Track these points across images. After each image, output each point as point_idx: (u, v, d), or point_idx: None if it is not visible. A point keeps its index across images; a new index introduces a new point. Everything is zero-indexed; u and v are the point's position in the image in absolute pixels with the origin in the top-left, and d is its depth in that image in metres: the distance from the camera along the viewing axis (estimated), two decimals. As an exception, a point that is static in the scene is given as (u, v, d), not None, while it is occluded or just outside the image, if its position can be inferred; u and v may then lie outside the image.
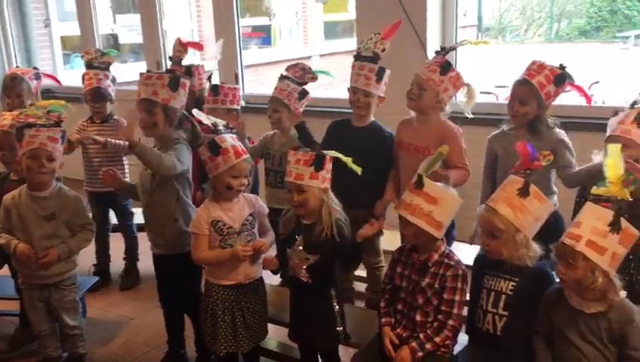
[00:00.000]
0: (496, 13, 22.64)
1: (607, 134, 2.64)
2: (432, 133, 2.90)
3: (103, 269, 4.12)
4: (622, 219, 1.95)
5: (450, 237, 2.87)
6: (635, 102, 2.65)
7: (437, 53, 2.96)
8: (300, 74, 3.43)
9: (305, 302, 2.51)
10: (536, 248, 2.19)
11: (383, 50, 3.09)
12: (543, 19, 22.01)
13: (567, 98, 3.41)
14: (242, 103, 5.26)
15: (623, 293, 2.05)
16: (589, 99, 3.18)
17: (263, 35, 11.60)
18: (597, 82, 7.95)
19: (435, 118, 2.96)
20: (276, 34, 12.23)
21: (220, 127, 2.59)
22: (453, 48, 2.96)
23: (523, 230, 2.16)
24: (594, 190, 2.03)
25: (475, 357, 2.30)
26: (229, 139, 2.53)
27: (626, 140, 2.50)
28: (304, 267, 2.41)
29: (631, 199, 1.98)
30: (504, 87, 4.62)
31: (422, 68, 2.92)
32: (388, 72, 3.10)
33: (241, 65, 5.44)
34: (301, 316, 2.54)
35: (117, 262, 4.18)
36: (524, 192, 2.15)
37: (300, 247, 2.41)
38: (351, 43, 4.54)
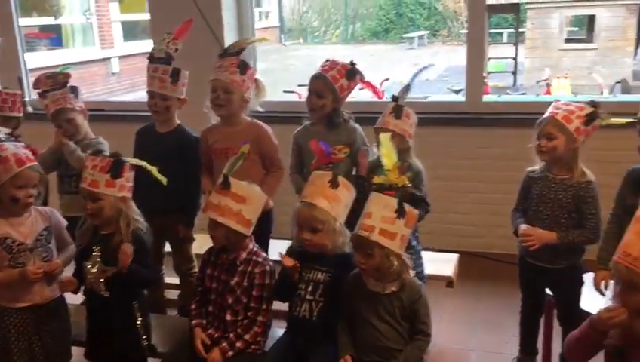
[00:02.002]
0: (297, 15, 23.53)
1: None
2: (246, 134, 2.92)
3: None
4: (404, 204, 2.13)
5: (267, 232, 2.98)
6: (394, 96, 2.88)
7: (221, 56, 2.98)
8: (51, 81, 3.22)
9: (104, 317, 2.38)
10: (349, 233, 2.30)
11: (176, 50, 3.04)
12: (339, 21, 23.34)
13: (363, 95, 3.65)
14: (30, 110, 4.83)
15: (412, 272, 2.25)
16: (378, 93, 3.45)
17: (53, 35, 10.70)
18: (387, 79, 8.69)
19: (243, 118, 3.00)
20: (68, 34, 11.37)
21: (1, 135, 2.36)
22: (242, 48, 3.02)
23: (339, 218, 2.28)
24: (375, 179, 2.19)
25: (283, 342, 2.38)
26: (11, 147, 2.31)
27: (386, 131, 2.73)
28: (101, 280, 2.29)
29: (409, 185, 2.19)
30: (305, 85, 4.84)
31: (220, 72, 2.90)
32: (185, 72, 3.05)
33: (26, 69, 4.98)
34: (100, 333, 2.41)
35: None
36: (334, 183, 2.27)
37: (98, 259, 2.29)
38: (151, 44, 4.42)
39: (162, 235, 3.04)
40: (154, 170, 2.36)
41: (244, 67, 2.90)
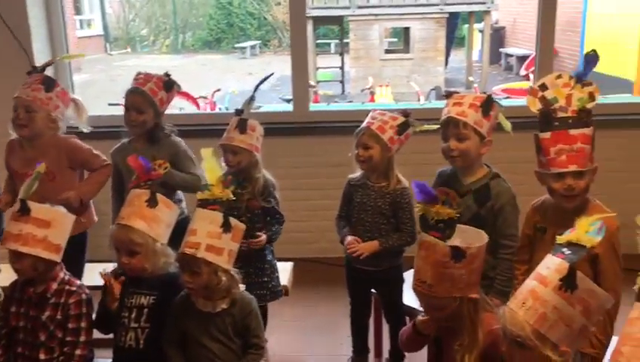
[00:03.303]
0: (123, 24, 22.52)
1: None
2: (52, 154, 2.72)
3: None
4: (230, 218, 2.10)
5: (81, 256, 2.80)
6: (238, 110, 2.83)
7: (29, 73, 2.78)
8: None
9: None
10: (172, 253, 2.21)
11: None
12: (169, 30, 22.77)
13: (191, 108, 3.55)
14: None
15: (242, 286, 2.22)
16: (196, 104, 3.40)
17: None
18: (219, 90, 8.64)
19: (50, 139, 2.79)
20: None
21: None
22: (48, 64, 2.82)
23: (159, 239, 2.18)
24: (199, 195, 2.14)
25: None
26: None
27: (232, 147, 2.71)
28: None
29: (234, 198, 2.17)
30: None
31: (22, 90, 2.70)
32: None
33: None
34: None
35: None
36: (152, 202, 2.17)
37: None
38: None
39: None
40: None
41: (49, 84, 2.71)
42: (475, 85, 10.77)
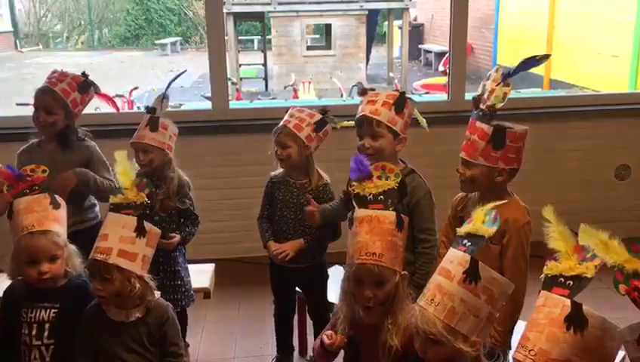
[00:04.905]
0: (34, 19, 21.45)
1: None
2: None
3: None
4: (145, 222, 2.01)
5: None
6: (149, 108, 2.74)
7: None
8: None
9: None
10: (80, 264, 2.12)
11: None
12: (84, 26, 21.90)
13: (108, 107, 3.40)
14: None
15: (157, 293, 2.13)
16: (116, 107, 3.27)
17: None
18: (136, 88, 8.38)
19: None
20: None
21: None
22: None
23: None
24: (112, 199, 2.05)
25: None
26: None
27: (143, 145, 2.62)
28: None
29: (148, 201, 2.09)
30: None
31: None
32: None
33: None
34: None
35: None
36: (56, 204, 2.10)
37: None
38: None
39: None
40: None
41: None
42: (396, 81, 10.98)
